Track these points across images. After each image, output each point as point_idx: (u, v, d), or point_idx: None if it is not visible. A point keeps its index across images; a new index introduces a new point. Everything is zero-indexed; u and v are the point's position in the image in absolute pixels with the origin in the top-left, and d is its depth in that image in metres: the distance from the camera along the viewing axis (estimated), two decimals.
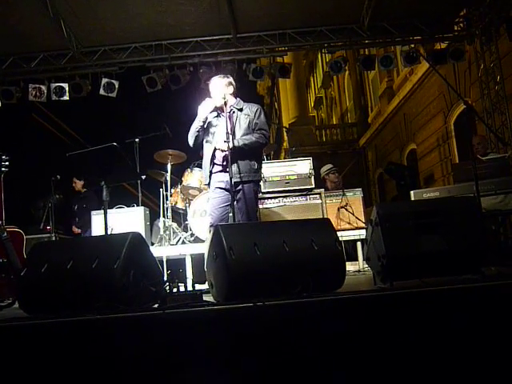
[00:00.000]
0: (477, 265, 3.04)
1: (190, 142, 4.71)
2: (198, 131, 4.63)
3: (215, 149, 4.58)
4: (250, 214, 4.52)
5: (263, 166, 6.18)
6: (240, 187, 4.51)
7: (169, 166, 6.97)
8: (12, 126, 11.62)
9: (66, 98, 8.55)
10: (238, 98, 4.75)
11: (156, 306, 2.87)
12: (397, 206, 3.31)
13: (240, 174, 4.46)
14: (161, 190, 7.13)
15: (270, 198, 6.12)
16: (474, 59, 9.15)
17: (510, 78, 8.78)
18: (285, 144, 21.15)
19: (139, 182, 6.93)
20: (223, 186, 4.58)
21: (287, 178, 6.12)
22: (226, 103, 4.48)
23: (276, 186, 6.13)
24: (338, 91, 25.59)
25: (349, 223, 6.35)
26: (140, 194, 7.17)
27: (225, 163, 4.55)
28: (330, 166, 8.18)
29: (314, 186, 6.17)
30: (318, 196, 6.13)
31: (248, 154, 4.56)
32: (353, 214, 6.35)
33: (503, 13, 7.78)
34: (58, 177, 7.25)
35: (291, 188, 6.14)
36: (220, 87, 4.67)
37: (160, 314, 2.51)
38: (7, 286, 4.25)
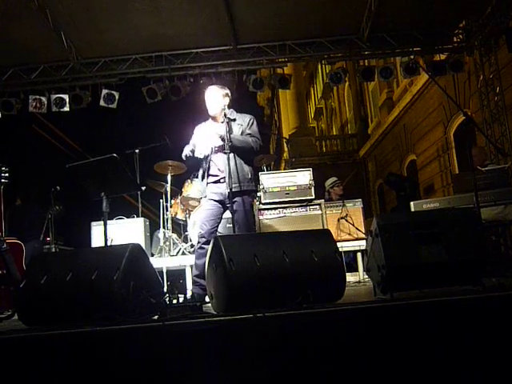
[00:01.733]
0: (477, 276, 3.03)
1: (184, 158, 4.73)
2: (190, 155, 4.64)
3: (210, 160, 4.58)
4: (248, 225, 4.50)
5: (263, 176, 6.20)
6: (236, 199, 4.48)
7: (169, 177, 6.97)
8: (12, 138, 11.64)
9: (67, 109, 8.56)
10: (232, 109, 4.73)
11: (156, 317, 2.86)
12: (397, 217, 3.31)
13: (237, 183, 4.45)
14: (161, 200, 7.13)
15: (270, 208, 6.11)
16: (473, 70, 9.19)
17: (509, 89, 8.82)
18: (285, 155, 21.19)
19: (139, 193, 6.93)
20: (217, 198, 4.56)
21: (287, 188, 6.12)
22: (225, 114, 4.49)
23: (276, 196, 6.13)
24: (338, 102, 25.68)
25: (349, 234, 6.34)
26: (140, 205, 7.18)
27: (219, 174, 4.56)
28: (334, 178, 8.22)
29: (314, 197, 6.16)
30: (318, 207, 6.13)
31: (242, 162, 4.55)
32: (353, 225, 6.34)
33: (502, 24, 7.82)
34: (58, 188, 7.26)
35: (291, 199, 6.13)
36: (217, 98, 4.67)
37: (160, 326, 2.50)
38: (7, 298, 4.24)
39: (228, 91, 4.79)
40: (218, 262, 2.91)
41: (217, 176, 4.59)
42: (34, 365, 2.35)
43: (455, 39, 8.65)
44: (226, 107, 4.57)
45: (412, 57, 8.53)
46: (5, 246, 4.28)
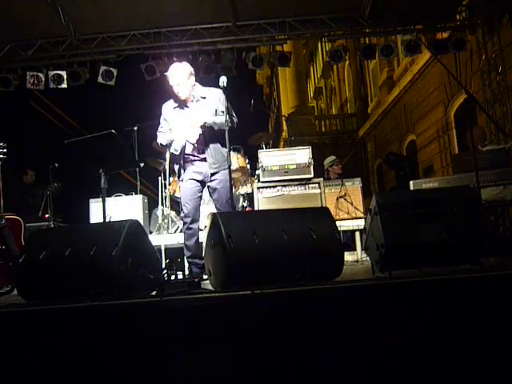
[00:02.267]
0: (476, 255, 3.03)
1: (160, 143, 4.65)
2: (167, 146, 4.59)
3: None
4: (229, 200, 4.45)
5: (262, 154, 6.18)
6: (218, 176, 4.48)
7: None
8: (10, 114, 11.57)
9: (64, 85, 8.51)
10: (197, 85, 4.59)
11: (154, 293, 2.86)
12: (396, 196, 3.30)
13: (216, 163, 4.46)
14: (159, 178, 7.11)
15: (269, 187, 6.10)
16: (475, 49, 9.10)
17: (511, 69, 8.75)
18: (284, 134, 21.11)
19: (138, 170, 6.91)
20: (197, 178, 4.52)
21: (286, 167, 6.09)
22: (189, 98, 4.48)
23: (275, 175, 6.11)
24: (337, 81, 25.53)
25: (347, 213, 6.34)
26: (138, 183, 7.17)
27: (195, 153, 4.51)
28: (333, 157, 8.18)
29: (312, 176, 6.15)
30: (316, 185, 6.11)
31: (218, 141, 4.49)
32: (351, 204, 6.34)
33: (506, 3, 7.73)
34: (56, 165, 7.23)
35: (290, 177, 6.11)
36: (185, 79, 4.45)
37: (158, 301, 2.51)
38: (6, 274, 4.25)
39: (191, 69, 4.58)
40: (217, 238, 2.91)
41: (194, 156, 4.53)
42: (32, 339, 2.36)
43: (458, 17, 8.57)
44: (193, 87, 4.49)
45: (414, 34, 8.44)
46: (3, 221, 4.28)
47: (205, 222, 5.55)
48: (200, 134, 4.41)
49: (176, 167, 4.65)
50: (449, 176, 6.46)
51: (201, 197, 4.63)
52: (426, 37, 8.57)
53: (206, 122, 4.35)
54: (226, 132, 4.25)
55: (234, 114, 4.47)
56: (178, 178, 4.66)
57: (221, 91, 4.49)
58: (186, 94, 4.48)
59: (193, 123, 4.37)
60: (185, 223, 4.54)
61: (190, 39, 8.51)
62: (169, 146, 4.53)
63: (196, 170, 4.52)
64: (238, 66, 8.65)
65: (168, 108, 4.62)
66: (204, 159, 4.49)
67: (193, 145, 4.48)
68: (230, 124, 4.30)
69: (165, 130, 4.58)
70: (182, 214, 4.62)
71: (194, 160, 4.53)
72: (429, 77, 13.07)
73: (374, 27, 8.62)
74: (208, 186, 4.54)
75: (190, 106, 4.53)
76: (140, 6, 7.83)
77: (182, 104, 4.55)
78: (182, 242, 5.48)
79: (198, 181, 4.53)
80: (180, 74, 4.46)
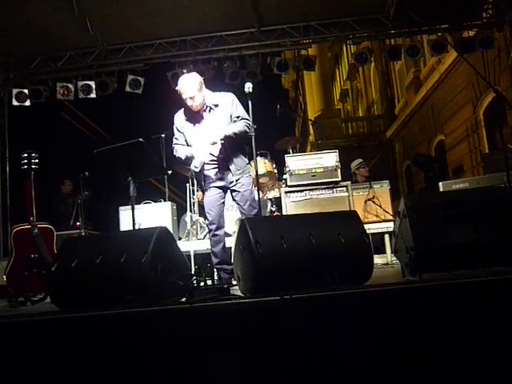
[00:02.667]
0: (508, 256, 2.97)
1: (177, 157, 4.62)
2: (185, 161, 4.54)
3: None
4: (252, 203, 4.49)
5: (289, 159, 6.18)
6: (239, 181, 4.48)
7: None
8: (41, 125, 11.82)
9: (93, 95, 8.67)
10: (207, 91, 4.48)
11: (183, 299, 2.89)
12: (425, 197, 3.26)
13: (239, 170, 4.46)
14: (187, 185, 7.16)
15: (296, 191, 6.09)
16: (503, 46, 8.95)
17: None
18: (311, 137, 21.06)
19: (166, 177, 6.97)
20: (218, 185, 4.51)
21: (313, 171, 6.08)
22: (202, 107, 4.41)
23: (302, 179, 6.10)
24: (363, 83, 25.36)
25: (376, 216, 6.28)
26: (167, 190, 7.23)
27: (217, 161, 4.47)
28: (360, 160, 8.12)
29: (340, 179, 6.12)
30: (344, 189, 6.08)
31: (238, 147, 4.50)
32: (380, 207, 6.28)
33: None
34: (87, 173, 7.35)
35: (317, 181, 6.10)
36: (196, 91, 4.32)
37: (187, 308, 2.52)
38: (39, 281, 4.34)
39: (200, 78, 4.45)
40: (245, 244, 2.91)
41: (214, 163, 4.48)
42: (64, 345, 2.40)
43: (484, 15, 8.43)
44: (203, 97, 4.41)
45: (439, 34, 8.33)
46: (36, 230, 4.37)
47: (233, 227, 5.58)
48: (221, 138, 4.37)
49: (198, 176, 4.65)
50: (479, 176, 6.36)
51: (224, 203, 4.62)
52: (452, 36, 8.47)
53: (225, 135, 4.31)
54: (253, 137, 4.28)
55: (248, 118, 4.42)
56: (199, 186, 4.68)
57: (232, 95, 4.48)
58: (199, 106, 4.40)
59: (213, 139, 4.31)
60: (210, 230, 4.56)
61: (215, 46, 8.58)
62: (188, 160, 4.48)
63: (218, 177, 4.50)
64: (263, 71, 8.67)
65: (180, 119, 4.55)
66: (225, 166, 4.46)
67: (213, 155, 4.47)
68: (247, 129, 4.34)
69: (181, 142, 4.54)
70: (206, 222, 4.64)
71: (215, 168, 4.50)
72: (456, 76, 12.88)
73: (398, 28, 8.54)
74: (231, 191, 4.53)
75: (205, 117, 4.45)
76: (165, 15, 7.93)
77: (196, 115, 4.47)
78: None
79: (219, 187, 4.52)
80: (191, 87, 4.32)
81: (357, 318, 2.39)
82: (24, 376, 2.39)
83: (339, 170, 6.11)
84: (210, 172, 4.51)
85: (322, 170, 6.08)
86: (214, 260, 4.53)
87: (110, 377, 2.37)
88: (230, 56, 8.60)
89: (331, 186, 6.09)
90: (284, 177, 6.34)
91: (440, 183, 5.43)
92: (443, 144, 14.67)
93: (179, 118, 4.57)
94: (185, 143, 4.53)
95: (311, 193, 6.07)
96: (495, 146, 10.11)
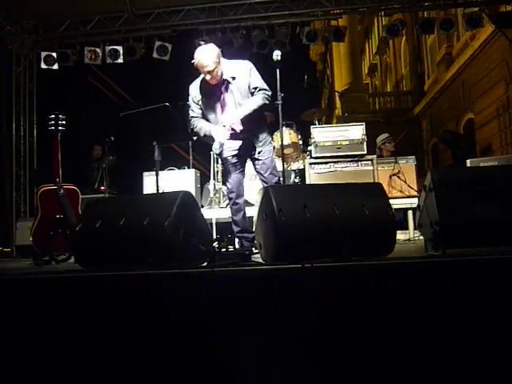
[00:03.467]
0: None
1: (195, 131, 4.52)
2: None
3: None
4: (273, 171, 4.48)
5: (315, 130, 6.13)
6: (262, 149, 4.44)
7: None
8: (68, 88, 11.88)
9: (121, 60, 8.69)
10: (224, 61, 4.29)
11: (205, 264, 2.91)
12: (453, 172, 3.20)
13: (261, 141, 4.42)
14: (211, 153, 7.15)
15: (321, 163, 6.05)
16: None
17: None
18: (337, 111, 20.86)
19: (190, 144, 6.98)
20: (238, 153, 4.47)
21: (339, 143, 6.02)
22: (219, 81, 4.27)
23: (327, 151, 6.05)
24: (393, 58, 24.89)
25: (400, 191, 6.22)
26: (191, 157, 7.24)
27: (238, 134, 4.38)
28: (386, 135, 8.01)
29: (366, 152, 6.05)
30: (369, 162, 6.02)
31: (259, 120, 4.42)
32: (405, 182, 6.21)
33: None
34: (112, 138, 7.39)
35: (343, 153, 6.04)
36: (214, 64, 4.15)
37: (209, 272, 2.54)
38: (63, 241, 4.42)
39: (218, 49, 4.26)
40: (268, 211, 2.91)
41: (234, 132, 4.36)
42: (87, 303, 2.44)
43: None
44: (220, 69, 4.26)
45: (476, 9, 8.08)
46: (62, 191, 4.43)
47: (255, 197, 5.57)
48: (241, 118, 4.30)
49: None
50: (509, 155, 6.23)
51: (243, 172, 4.59)
52: (488, 9, 8.20)
53: (244, 115, 4.23)
54: (279, 106, 4.24)
55: (267, 88, 4.32)
56: (219, 155, 4.64)
57: (248, 63, 4.34)
58: (217, 79, 4.25)
59: (231, 121, 4.25)
60: (230, 199, 4.55)
61: (243, 14, 8.49)
62: (206, 137, 4.40)
63: (237, 146, 4.45)
64: (291, 41, 8.55)
65: (196, 91, 4.42)
66: (246, 138, 4.41)
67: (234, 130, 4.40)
68: (266, 101, 4.27)
69: (198, 114, 4.44)
70: (226, 190, 4.63)
71: (236, 139, 4.44)
72: (490, 52, 12.54)
73: (433, 0, 8.31)
74: (253, 159, 4.49)
75: (223, 91, 4.31)
76: None
77: (213, 88, 4.33)
78: None
79: (239, 156, 4.49)
80: (209, 61, 4.13)
81: (378, 290, 2.38)
82: (46, 332, 2.45)
83: (365, 144, 6.03)
84: (231, 143, 4.45)
85: (347, 142, 6.02)
86: (235, 228, 4.55)
87: (130, 336, 2.41)
88: (259, 25, 8.50)
89: (356, 159, 6.03)
90: (309, 148, 6.29)
91: (467, 161, 5.35)
92: (472, 123, 14.38)
93: (195, 89, 4.44)
94: (201, 115, 4.44)
95: (336, 165, 6.02)
96: None
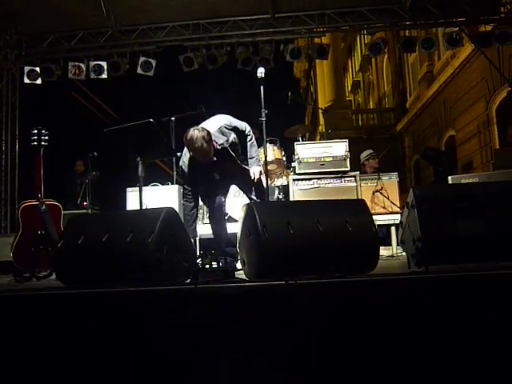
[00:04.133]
0: None
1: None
2: None
3: None
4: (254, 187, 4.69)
5: (298, 147, 6.16)
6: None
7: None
8: (51, 103, 11.82)
9: (105, 76, 8.67)
10: (211, 131, 4.19)
11: (188, 280, 2.89)
12: (435, 189, 3.24)
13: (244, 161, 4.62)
14: None
15: (305, 179, 6.07)
16: None
17: None
18: (320, 128, 20.97)
19: (174, 160, 6.96)
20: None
21: (322, 159, 6.06)
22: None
23: (311, 167, 6.08)
24: (376, 75, 25.20)
25: (383, 207, 6.25)
26: (175, 173, 7.22)
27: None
28: (370, 151, 8.08)
29: (349, 169, 6.09)
30: (352, 179, 6.06)
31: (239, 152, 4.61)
32: (388, 199, 6.25)
33: None
34: (95, 154, 7.35)
35: (326, 170, 6.07)
36: (205, 152, 4.09)
37: (192, 289, 2.53)
38: (45, 258, 4.36)
39: (206, 133, 4.08)
40: (252, 228, 2.91)
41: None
42: (68, 321, 2.41)
43: (502, 9, 8.33)
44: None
45: (456, 29, 8.24)
46: (44, 207, 4.38)
47: (239, 213, 5.57)
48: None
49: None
50: (489, 172, 6.31)
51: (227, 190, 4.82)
52: (468, 29, 8.37)
53: (259, 168, 4.58)
54: (263, 123, 4.28)
55: (246, 127, 4.51)
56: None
57: (224, 117, 4.41)
58: (211, 155, 4.17)
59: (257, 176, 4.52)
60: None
61: (228, 31, 8.54)
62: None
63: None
64: (275, 58, 8.62)
65: (191, 168, 4.35)
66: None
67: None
68: (254, 141, 4.55)
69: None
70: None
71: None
72: (470, 71, 12.76)
73: (414, 19, 8.47)
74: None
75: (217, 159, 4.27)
76: None
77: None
78: None
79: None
80: (203, 151, 4.08)
81: (361, 306, 2.38)
82: (25, 349, 2.41)
83: (348, 160, 6.08)
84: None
85: (331, 158, 6.06)
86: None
87: (112, 354, 2.38)
88: (244, 42, 8.56)
89: (339, 175, 6.06)
90: (292, 164, 6.32)
91: (449, 177, 5.40)
92: (454, 139, 14.58)
93: (189, 165, 4.34)
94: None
95: (319, 181, 6.05)
96: (506, 143, 10.05)
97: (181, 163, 4.35)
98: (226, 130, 4.32)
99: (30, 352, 2.39)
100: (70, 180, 8.59)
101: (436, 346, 2.34)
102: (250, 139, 4.53)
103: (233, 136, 4.37)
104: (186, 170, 4.32)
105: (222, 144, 4.27)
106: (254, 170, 4.51)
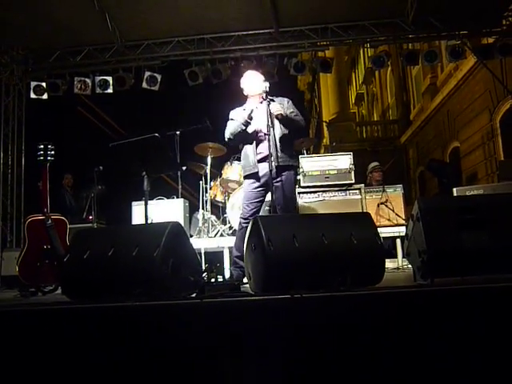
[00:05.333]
0: None
1: (229, 136, 4.68)
2: (242, 130, 4.60)
3: (257, 135, 4.58)
4: (289, 204, 4.52)
5: (303, 160, 6.18)
6: (279, 178, 4.49)
7: (209, 159, 7.01)
8: (57, 118, 11.91)
9: (110, 90, 8.73)
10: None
11: (194, 295, 2.89)
12: (440, 201, 3.24)
13: (280, 159, 4.46)
14: (200, 182, 7.18)
15: (310, 192, 6.08)
16: None
17: None
18: (325, 140, 21.03)
19: (179, 174, 6.99)
20: (265, 178, 4.54)
21: (327, 172, 6.08)
22: (266, 95, 4.51)
23: (316, 180, 6.10)
24: (379, 87, 25.27)
25: (388, 220, 6.25)
26: (180, 187, 7.24)
27: (265, 153, 4.48)
28: (375, 163, 8.11)
29: (353, 182, 6.11)
30: (357, 191, 6.07)
31: (287, 144, 4.62)
32: (393, 211, 6.25)
33: None
34: (101, 168, 7.39)
35: (331, 183, 6.09)
36: (258, 80, 4.75)
37: (198, 303, 2.52)
38: (50, 272, 4.37)
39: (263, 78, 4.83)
40: (257, 241, 2.91)
41: (264, 153, 4.53)
42: (74, 336, 2.41)
43: (504, 22, 8.36)
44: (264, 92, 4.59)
45: (458, 41, 8.27)
46: (50, 221, 4.40)
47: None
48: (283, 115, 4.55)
49: (251, 159, 4.66)
50: (494, 183, 6.31)
51: (263, 201, 4.68)
52: (470, 42, 8.40)
53: (285, 115, 4.55)
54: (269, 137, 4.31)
55: (302, 117, 4.77)
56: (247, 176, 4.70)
57: (290, 100, 4.81)
58: (258, 90, 4.65)
59: (277, 110, 4.53)
60: (240, 223, 4.61)
61: (232, 45, 8.60)
62: (240, 129, 4.61)
63: (265, 168, 4.49)
64: (279, 71, 8.67)
65: (237, 111, 4.79)
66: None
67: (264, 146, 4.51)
68: (302, 123, 4.71)
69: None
70: (240, 214, 4.67)
71: (264, 158, 4.53)
72: (473, 83, 12.79)
73: (417, 32, 8.51)
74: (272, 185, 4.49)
75: (262, 105, 4.60)
76: (184, 13, 7.97)
77: (252, 104, 4.73)
78: (222, 245, 5.50)
79: (261, 183, 4.59)
80: (255, 74, 4.90)
81: (367, 320, 2.38)
82: (31, 364, 2.41)
83: (353, 173, 6.10)
84: (260, 161, 4.59)
85: (335, 171, 6.08)
86: (235, 253, 4.60)
87: (117, 368, 2.38)
88: (248, 56, 8.62)
89: (344, 188, 6.08)
90: (297, 177, 6.33)
91: (454, 189, 5.40)
92: (458, 151, 14.57)
93: (235, 111, 4.82)
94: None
95: (324, 194, 6.07)
96: (511, 154, 10.05)
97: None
98: None
99: (35, 367, 2.40)
100: (60, 194, 8.60)
101: (441, 360, 2.33)
102: None
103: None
104: None
105: None
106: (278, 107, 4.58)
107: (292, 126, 4.64)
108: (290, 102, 4.81)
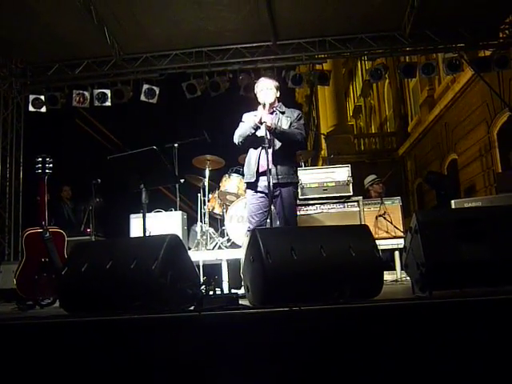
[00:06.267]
0: None
1: (238, 139, 4.69)
2: (251, 133, 4.62)
3: (262, 148, 4.53)
4: (288, 219, 4.50)
5: (301, 172, 6.18)
6: (278, 191, 4.49)
7: (207, 172, 7.01)
8: (56, 131, 11.92)
9: (108, 103, 8.75)
10: (281, 103, 4.83)
11: (192, 307, 2.88)
12: (438, 214, 3.24)
13: (279, 175, 4.47)
14: (198, 195, 7.18)
15: (308, 204, 6.09)
16: None
17: None
18: (323, 152, 21.08)
19: (177, 186, 7.00)
20: (264, 190, 4.54)
21: (325, 184, 6.09)
22: (272, 103, 4.65)
23: (314, 192, 6.10)
24: (377, 100, 25.39)
25: (386, 232, 6.26)
26: (178, 199, 7.25)
27: (267, 166, 4.45)
28: (373, 176, 8.12)
29: (352, 194, 6.12)
30: (355, 203, 6.08)
31: (287, 157, 4.61)
32: (391, 223, 6.25)
33: None
34: (99, 180, 7.40)
35: (329, 195, 6.10)
36: (272, 87, 4.76)
37: (196, 316, 2.51)
38: (48, 285, 4.35)
39: (278, 85, 4.89)
40: (255, 254, 2.91)
41: (265, 167, 4.50)
42: (72, 349, 2.40)
43: (501, 35, 8.42)
44: (277, 100, 4.72)
45: (455, 54, 8.33)
46: (48, 234, 4.40)
47: (242, 239, 5.57)
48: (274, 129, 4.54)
49: (252, 169, 4.67)
50: (492, 195, 6.32)
51: (267, 211, 4.61)
52: (467, 55, 8.46)
53: (279, 130, 4.54)
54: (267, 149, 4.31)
55: (304, 133, 4.72)
56: (249, 187, 4.71)
57: (300, 113, 4.87)
58: (270, 98, 4.68)
59: (267, 120, 4.52)
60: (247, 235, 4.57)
61: (230, 58, 8.64)
62: (249, 130, 4.63)
63: (263, 182, 4.53)
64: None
65: (249, 115, 4.80)
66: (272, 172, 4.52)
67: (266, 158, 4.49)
68: (299, 137, 4.61)
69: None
70: (247, 227, 4.67)
71: (263, 172, 4.53)
72: (471, 95, 12.86)
73: (414, 45, 8.57)
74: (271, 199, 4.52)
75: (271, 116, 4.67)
76: (182, 26, 8.02)
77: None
78: (220, 258, 5.48)
79: (264, 194, 4.57)
80: (269, 81, 4.84)
81: (366, 332, 2.37)
82: (29, 378, 2.39)
83: (351, 185, 6.11)
84: (261, 174, 4.58)
85: (333, 184, 6.09)
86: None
87: (115, 382, 2.37)
88: (246, 68, 8.66)
89: (342, 200, 6.09)
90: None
91: (452, 201, 5.41)
92: (456, 163, 14.61)
93: (247, 115, 4.83)
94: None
95: (322, 207, 6.07)
96: (509, 167, 10.07)
97: None
98: None
99: (32, 381, 2.38)
100: (58, 206, 8.60)
101: (440, 373, 2.32)
102: None
103: None
104: None
105: None
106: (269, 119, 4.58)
107: (284, 139, 4.57)
108: (301, 115, 4.83)
